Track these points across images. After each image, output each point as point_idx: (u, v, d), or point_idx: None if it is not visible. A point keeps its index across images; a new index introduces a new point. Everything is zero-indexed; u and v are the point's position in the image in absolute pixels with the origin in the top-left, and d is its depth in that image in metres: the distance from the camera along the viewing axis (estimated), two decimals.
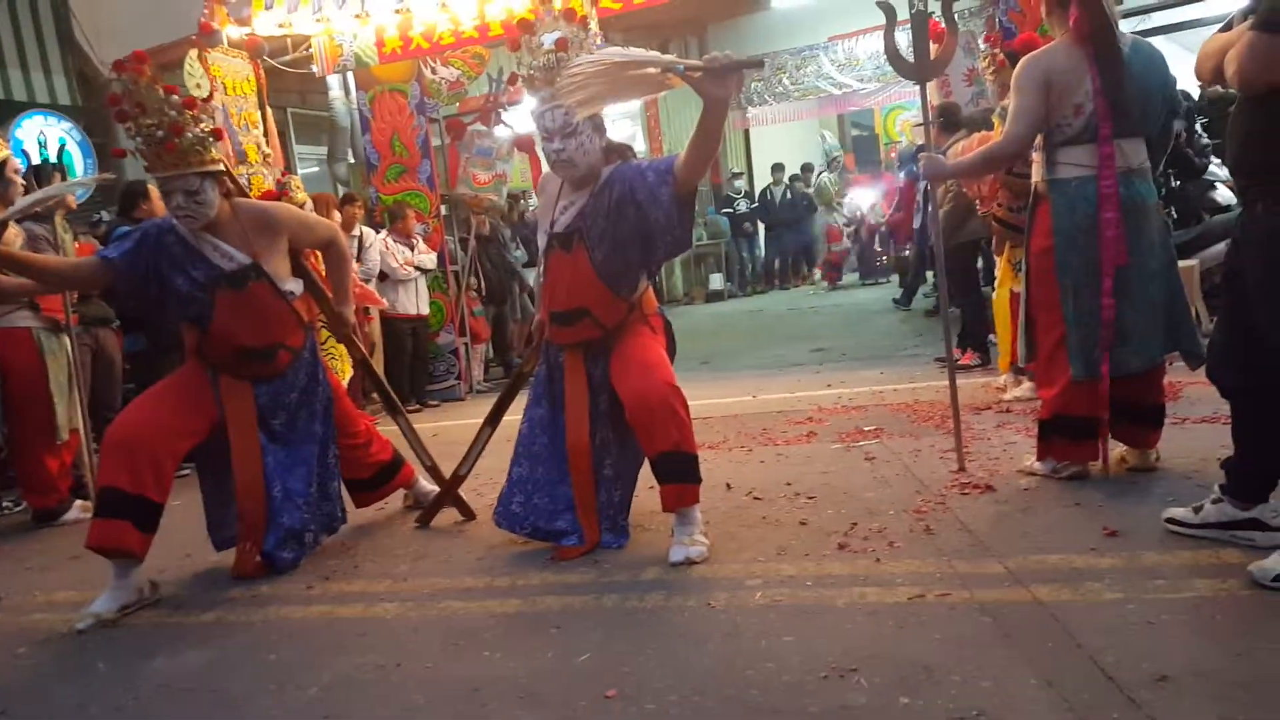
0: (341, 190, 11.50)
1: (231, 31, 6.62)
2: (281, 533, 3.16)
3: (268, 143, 6.12)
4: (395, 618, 2.67)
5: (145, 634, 2.77)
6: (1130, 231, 2.96)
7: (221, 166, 3.12)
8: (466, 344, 7.54)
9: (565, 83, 2.62)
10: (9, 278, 3.26)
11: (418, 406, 7.00)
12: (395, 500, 3.85)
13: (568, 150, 2.85)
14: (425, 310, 7.19)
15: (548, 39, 2.84)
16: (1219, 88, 3.87)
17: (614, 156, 2.98)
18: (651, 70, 2.55)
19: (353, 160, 10.38)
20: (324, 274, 3.68)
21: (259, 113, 6.19)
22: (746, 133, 13.70)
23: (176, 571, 3.27)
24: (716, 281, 12.70)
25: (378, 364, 7.02)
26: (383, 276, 6.91)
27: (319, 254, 3.72)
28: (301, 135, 11.33)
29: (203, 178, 3.02)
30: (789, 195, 12.67)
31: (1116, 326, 2.97)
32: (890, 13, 3.42)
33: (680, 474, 2.81)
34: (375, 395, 6.68)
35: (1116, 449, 3.23)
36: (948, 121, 5.91)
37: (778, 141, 13.71)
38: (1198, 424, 3.66)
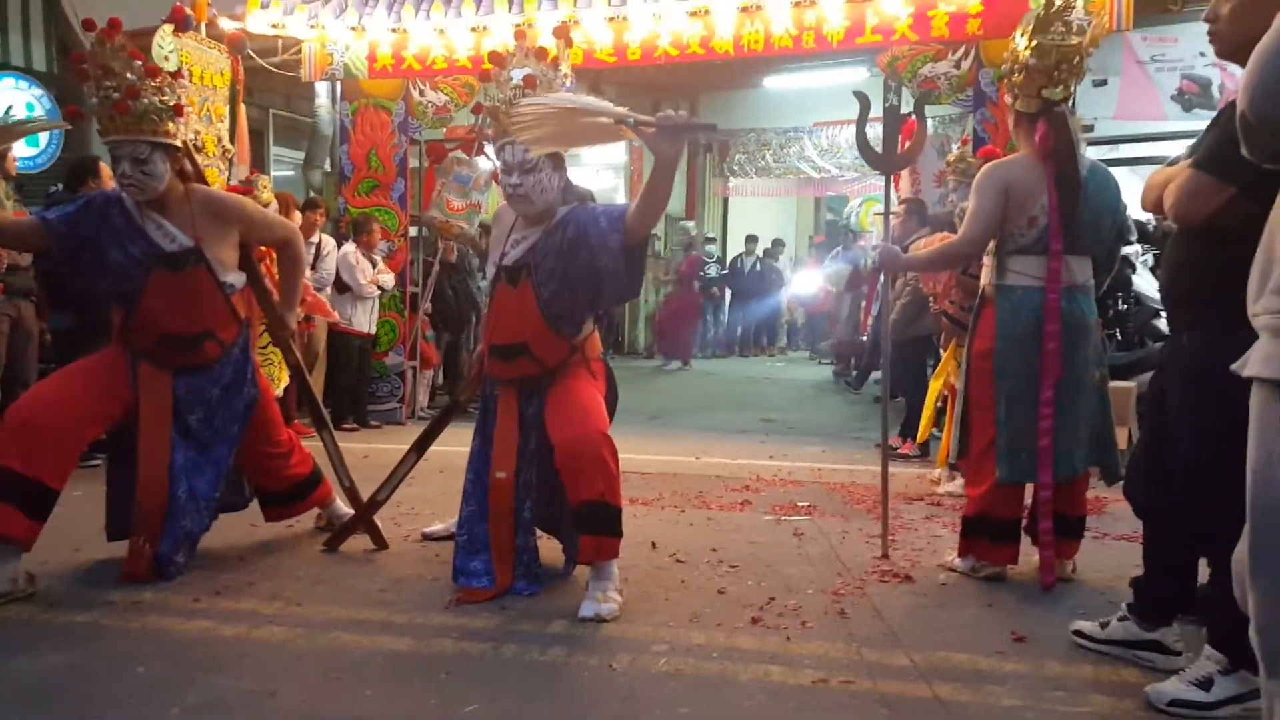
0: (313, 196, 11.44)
1: (224, 24, 6.60)
2: (179, 535, 3.03)
3: (233, 139, 6.05)
4: (280, 642, 2.54)
5: (11, 629, 2.61)
6: (1068, 345, 3.01)
7: (177, 141, 3.05)
8: (415, 368, 7.43)
9: (516, 119, 2.63)
10: None
11: (355, 425, 6.85)
12: (307, 519, 3.71)
13: (525, 186, 2.84)
14: (373, 330, 7.08)
15: (516, 74, 2.85)
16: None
17: (571, 198, 2.97)
18: (604, 119, 2.57)
19: (328, 169, 10.33)
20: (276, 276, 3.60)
21: (227, 107, 6.13)
22: (725, 201, 13.92)
23: (60, 565, 3.10)
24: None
25: (319, 376, 6.90)
26: (342, 289, 6.81)
27: (275, 255, 3.65)
28: (281, 137, 11.26)
29: (153, 147, 2.96)
30: (759, 267, 12.84)
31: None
32: (864, 102, 3.48)
33: (601, 526, 2.74)
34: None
35: (1035, 556, 3.23)
36: (915, 216, 6.04)
37: (755, 213, 13.95)
38: (1117, 540, 3.70)
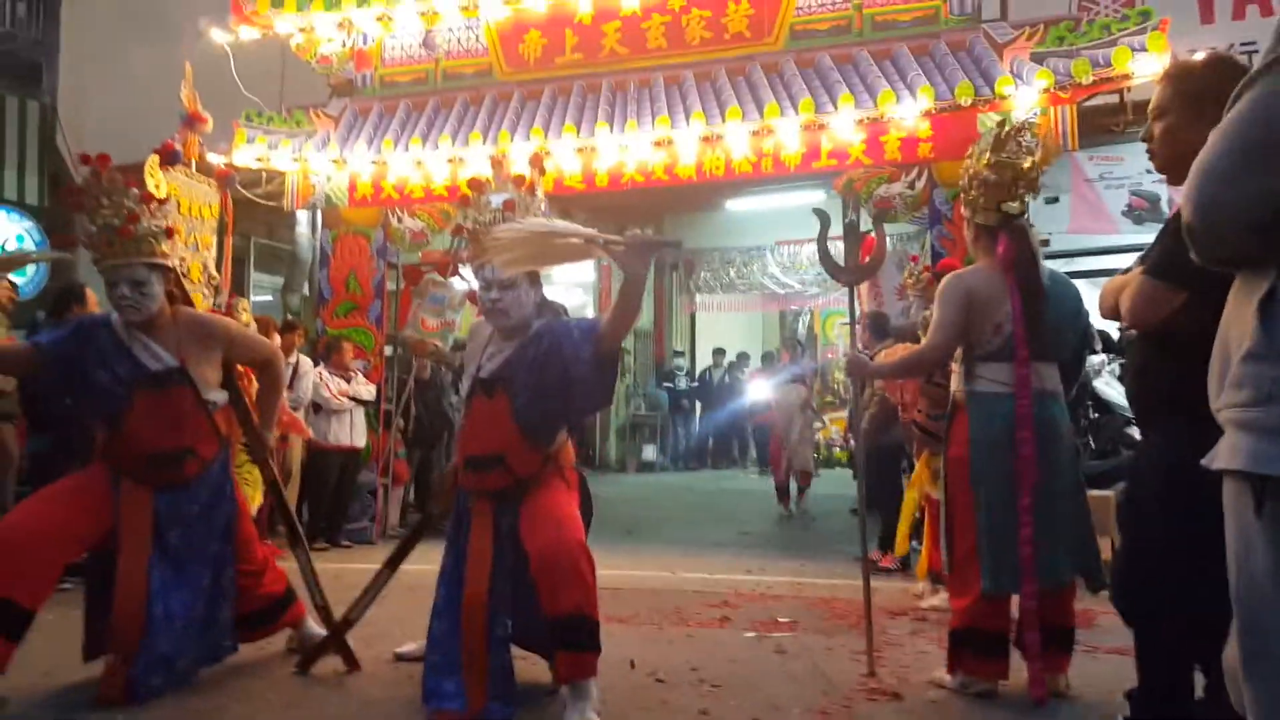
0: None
1: (213, 159, 6.78)
2: (153, 656, 2.96)
3: (219, 268, 6.13)
4: None
5: None
6: (1043, 451, 3.05)
7: (171, 262, 3.16)
8: (387, 485, 7.36)
9: (491, 243, 2.73)
10: None
11: (326, 545, 6.71)
12: (278, 640, 3.60)
13: (504, 301, 2.92)
14: (360, 443, 7.04)
15: (496, 199, 2.97)
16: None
17: (546, 311, 3.04)
18: (576, 240, 2.70)
19: (306, 294, 10.44)
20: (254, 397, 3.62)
21: (214, 237, 6.23)
22: (693, 316, 14.18)
23: (29, 690, 2.96)
24: (650, 452, 12.79)
25: (292, 494, 6.79)
26: (317, 409, 6.80)
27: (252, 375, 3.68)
28: (261, 264, 11.44)
29: (150, 269, 3.08)
30: (726, 379, 13.02)
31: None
32: (824, 219, 3.63)
33: (578, 641, 2.70)
34: (282, 528, 6.43)
35: (1025, 670, 3.18)
36: (877, 328, 6.20)
37: (721, 327, 14.24)
38: (1109, 654, 3.62)
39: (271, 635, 3.50)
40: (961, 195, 3.33)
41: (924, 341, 3.28)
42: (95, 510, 2.99)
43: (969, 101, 6.02)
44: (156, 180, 4.05)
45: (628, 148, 6.82)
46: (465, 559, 2.98)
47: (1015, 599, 3.10)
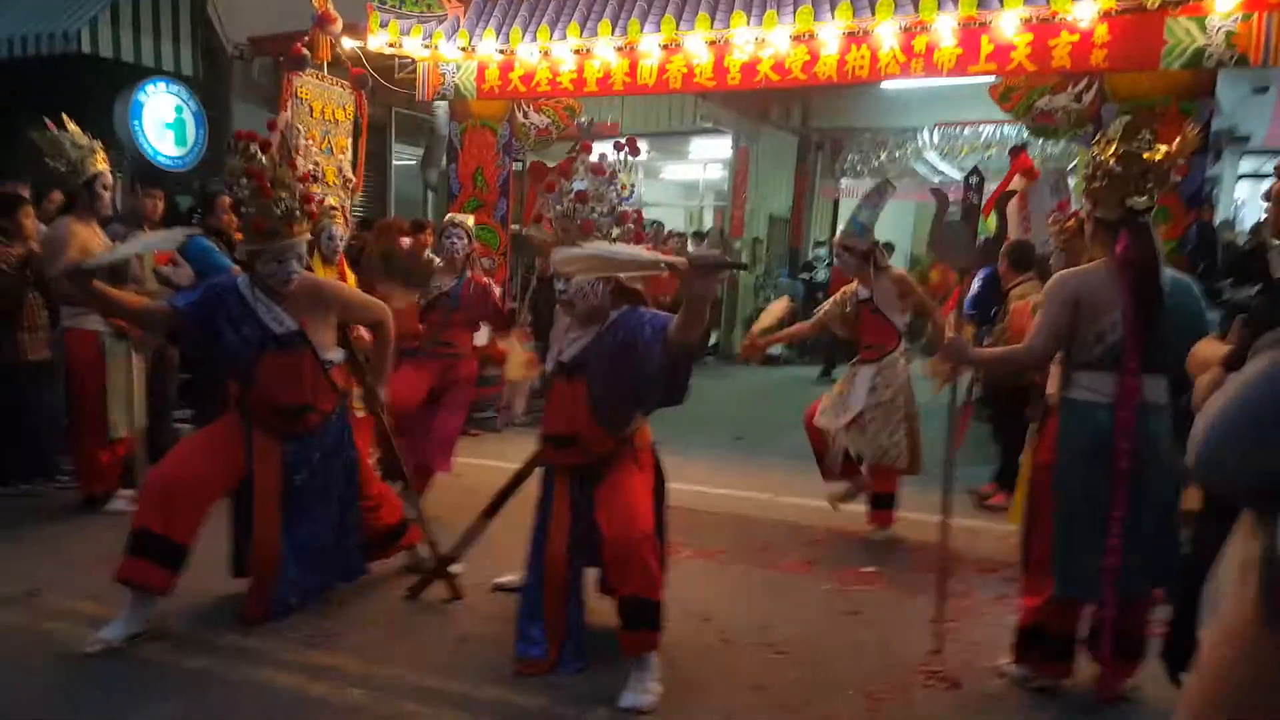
0: (430, 195, 11.91)
1: (346, 43, 6.94)
2: (287, 581, 3.43)
3: (355, 170, 6.39)
4: (352, 710, 2.84)
5: (138, 673, 3.03)
6: (1138, 466, 2.94)
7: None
8: None
9: (561, 259, 2.80)
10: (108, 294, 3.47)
11: None
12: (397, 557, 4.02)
13: (569, 291, 3.02)
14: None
15: (578, 184, 3.00)
16: None
17: (623, 300, 3.09)
18: (637, 263, 2.76)
19: (444, 168, 10.74)
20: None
21: (349, 139, 6.47)
22: (836, 202, 13.67)
23: (189, 596, 3.44)
24: (775, 346, 12.62)
25: None
26: None
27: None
28: (401, 134, 11.74)
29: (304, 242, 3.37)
30: None
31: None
32: (942, 200, 3.46)
33: (641, 621, 2.91)
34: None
35: (1093, 668, 3.20)
36: (1020, 259, 5.86)
37: None
38: None
39: (390, 557, 3.93)
40: (1084, 185, 3.10)
41: (1025, 340, 3.15)
42: (232, 457, 3.39)
43: (1156, 3, 5.36)
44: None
45: (764, 42, 6.49)
46: (549, 520, 3.21)
47: (1088, 604, 3.09)
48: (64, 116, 4.48)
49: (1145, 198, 2.95)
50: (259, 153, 3.27)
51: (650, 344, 2.88)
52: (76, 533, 4.38)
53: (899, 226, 14.09)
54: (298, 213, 3.30)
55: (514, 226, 7.84)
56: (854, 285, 5.10)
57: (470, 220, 5.48)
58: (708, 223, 15.38)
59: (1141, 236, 2.95)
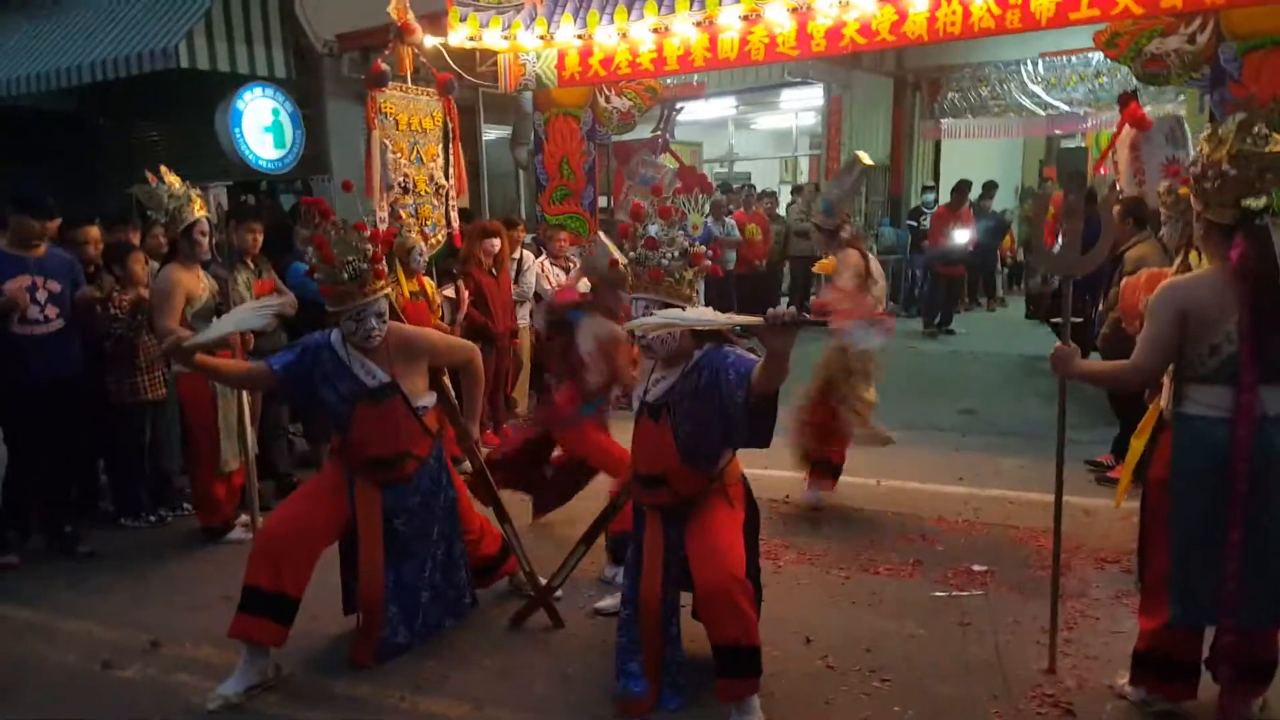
0: (521, 173, 11.99)
1: (429, 41, 6.97)
2: (394, 621, 3.56)
3: (452, 175, 6.44)
4: None
5: None
6: (1259, 484, 2.73)
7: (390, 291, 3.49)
8: None
9: (636, 326, 2.85)
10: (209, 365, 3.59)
11: None
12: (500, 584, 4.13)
13: (648, 337, 2.97)
14: None
15: (652, 229, 2.96)
16: None
17: (707, 340, 3.04)
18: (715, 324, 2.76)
19: (533, 147, 10.78)
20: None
21: (439, 146, 6.52)
22: (938, 144, 13.03)
23: (301, 639, 3.58)
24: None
25: (524, 381, 7.42)
26: (538, 298, 7.22)
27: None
28: (490, 115, 11.81)
29: (384, 299, 3.43)
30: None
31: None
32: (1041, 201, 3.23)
33: (738, 669, 2.90)
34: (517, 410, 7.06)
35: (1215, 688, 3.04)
36: (1133, 217, 5.49)
37: (971, 157, 12.96)
38: None
39: (490, 585, 4.04)
40: (1193, 184, 2.84)
41: (1133, 356, 2.94)
42: (337, 505, 3.51)
43: None
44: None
45: (849, 4, 6.16)
46: (643, 555, 3.24)
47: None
48: (162, 169, 4.66)
49: (1264, 198, 2.69)
50: (322, 220, 3.34)
51: (734, 388, 2.85)
52: (197, 568, 4.60)
53: (1007, 163, 13.40)
54: (367, 274, 3.34)
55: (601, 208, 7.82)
56: None
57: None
58: (803, 172, 14.99)
59: (1260, 241, 2.69)
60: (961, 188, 10.80)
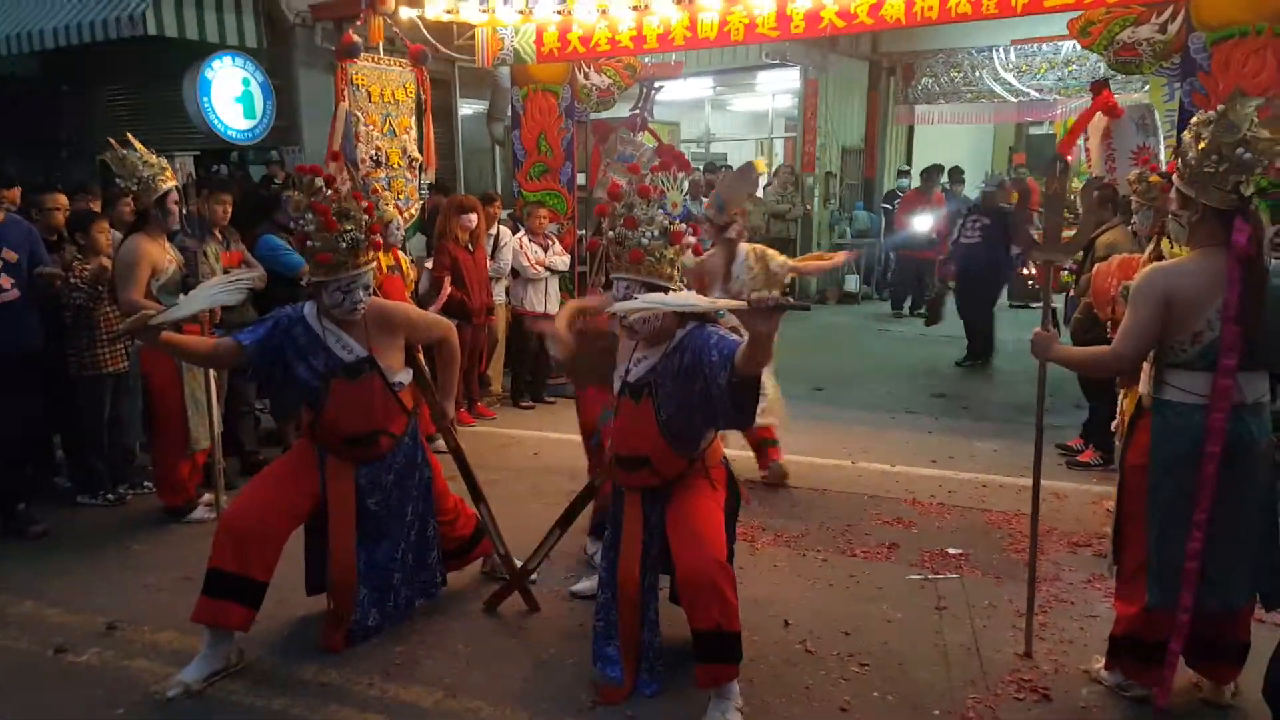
0: (498, 149, 11.82)
1: (405, 13, 6.80)
2: (365, 602, 3.47)
3: (423, 149, 6.31)
4: None
5: (219, 717, 3.04)
6: (1231, 469, 2.75)
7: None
8: None
9: (619, 309, 2.78)
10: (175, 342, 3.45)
11: (531, 404, 7.26)
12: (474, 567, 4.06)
13: (630, 318, 2.92)
14: (554, 310, 7.35)
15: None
16: None
17: (689, 320, 2.99)
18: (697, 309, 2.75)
19: (509, 122, 10.63)
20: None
21: (412, 118, 6.38)
22: (910, 129, 13.06)
23: (266, 622, 3.48)
24: (852, 283, 12.24)
25: (499, 359, 7.34)
26: (515, 274, 7.14)
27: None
28: (465, 90, 11.62)
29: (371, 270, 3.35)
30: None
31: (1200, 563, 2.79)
32: (1023, 192, 3.21)
33: (718, 654, 2.86)
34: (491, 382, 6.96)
35: (1190, 675, 3.06)
36: (1104, 202, 5.52)
37: (944, 142, 13.03)
38: None
39: (464, 567, 3.97)
40: (1180, 168, 2.82)
41: (1114, 342, 2.93)
42: (307, 486, 3.40)
43: None
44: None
45: None
46: (621, 537, 3.19)
47: None
48: (129, 136, 4.51)
49: (1256, 182, 2.68)
50: (324, 187, 3.23)
51: (716, 369, 2.80)
52: (157, 549, 4.46)
53: (978, 149, 13.47)
54: (364, 243, 3.26)
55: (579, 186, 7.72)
56: None
57: None
58: (779, 154, 14.95)
59: (1257, 228, 2.70)
60: (932, 172, 10.85)
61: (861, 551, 4.34)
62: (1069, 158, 6.46)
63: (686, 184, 3.15)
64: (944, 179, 12.14)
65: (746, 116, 15.00)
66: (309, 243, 3.24)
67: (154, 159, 4.50)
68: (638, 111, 7.61)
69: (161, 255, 4.51)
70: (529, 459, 5.91)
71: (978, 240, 8.10)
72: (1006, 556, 4.27)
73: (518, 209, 7.59)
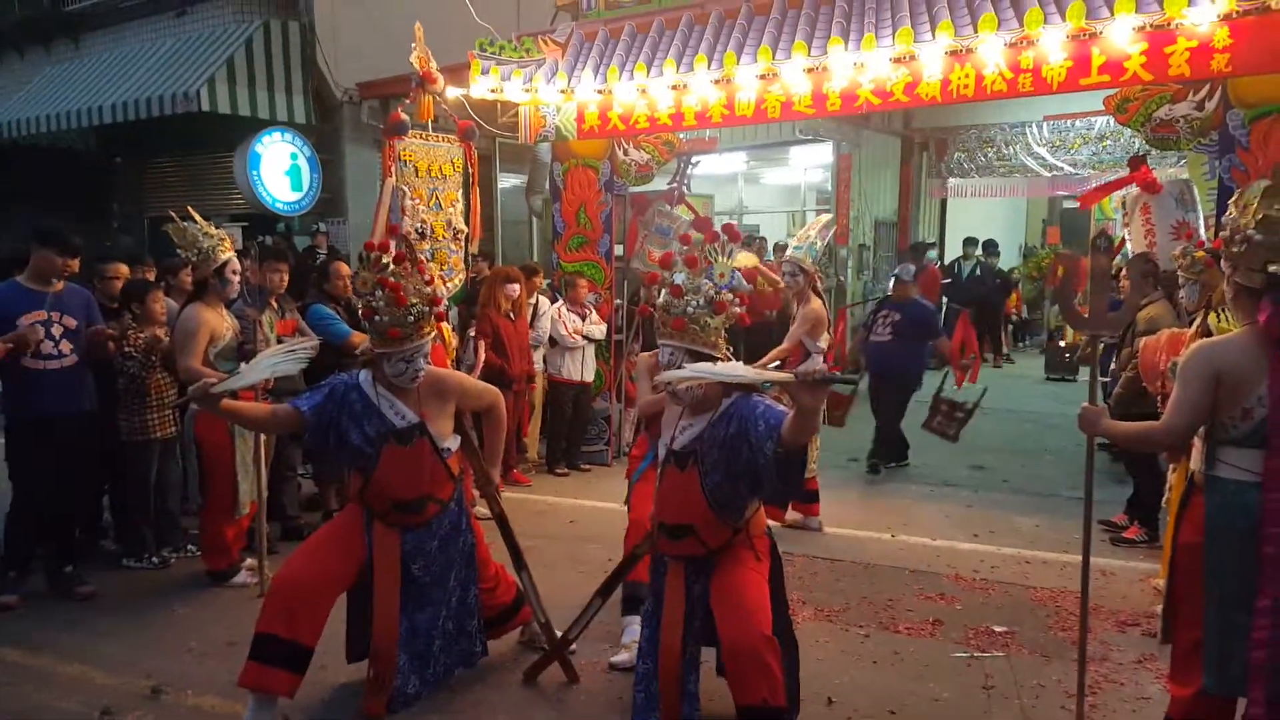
0: (535, 221, 12.09)
1: (452, 92, 7.06)
2: (404, 674, 3.47)
3: (468, 221, 6.49)
4: None
5: None
6: None
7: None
8: (620, 409, 7.77)
9: (667, 379, 2.84)
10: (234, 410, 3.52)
11: (566, 470, 7.29)
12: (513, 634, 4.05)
13: (675, 386, 2.96)
14: (589, 378, 7.45)
15: (678, 277, 3.05)
16: None
17: (735, 389, 3.02)
18: (744, 381, 2.77)
19: (547, 195, 10.90)
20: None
21: (459, 192, 6.57)
22: (944, 202, 13.18)
23: (307, 688, 3.47)
24: None
25: (536, 425, 7.41)
26: (553, 343, 7.25)
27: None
28: (505, 163, 11.97)
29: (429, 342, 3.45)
30: (977, 270, 12.14)
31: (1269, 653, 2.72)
32: (1071, 264, 3.26)
33: None
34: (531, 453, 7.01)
35: None
36: (1144, 276, 5.52)
37: (976, 216, 13.12)
38: None
39: (504, 635, 3.97)
40: (1223, 248, 2.85)
41: (1164, 417, 2.92)
42: (354, 552, 3.45)
43: None
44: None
45: (864, 66, 6.27)
46: (663, 608, 3.18)
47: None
48: (190, 210, 4.70)
49: None
50: (391, 265, 3.35)
51: (763, 439, 2.83)
52: (201, 612, 4.50)
53: (1011, 222, 13.54)
54: (428, 315, 3.37)
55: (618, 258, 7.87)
56: None
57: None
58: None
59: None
60: (918, 248, 11.11)
61: (905, 628, 4.27)
62: (1126, 235, 6.51)
63: (737, 255, 3.22)
64: (978, 250, 12.22)
65: (779, 189, 15.22)
66: (377, 317, 3.33)
67: (214, 230, 4.68)
68: (674, 185, 7.81)
69: (219, 323, 4.65)
70: (565, 526, 5.92)
71: (888, 338, 7.25)
72: (1053, 635, 4.18)
73: (556, 279, 7.74)
